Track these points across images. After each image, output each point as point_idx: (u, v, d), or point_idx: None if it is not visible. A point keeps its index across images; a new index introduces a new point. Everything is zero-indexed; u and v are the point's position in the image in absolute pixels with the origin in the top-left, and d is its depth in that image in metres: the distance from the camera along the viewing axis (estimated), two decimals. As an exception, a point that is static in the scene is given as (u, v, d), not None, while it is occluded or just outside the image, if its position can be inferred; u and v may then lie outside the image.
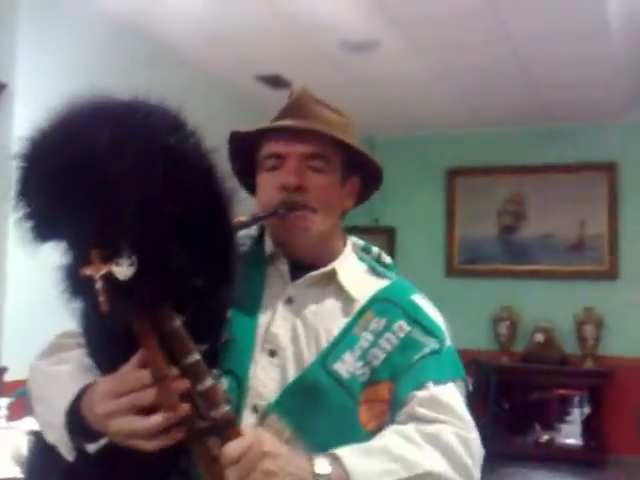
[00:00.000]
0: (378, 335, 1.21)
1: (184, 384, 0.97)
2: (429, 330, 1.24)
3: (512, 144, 5.88)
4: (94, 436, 1.03)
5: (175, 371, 0.97)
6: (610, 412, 5.32)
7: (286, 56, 4.54)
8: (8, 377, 3.40)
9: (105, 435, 1.02)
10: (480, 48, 4.37)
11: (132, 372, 0.99)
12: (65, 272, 0.97)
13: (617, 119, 5.52)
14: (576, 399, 5.50)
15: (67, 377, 1.09)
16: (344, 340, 1.21)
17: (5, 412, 2.78)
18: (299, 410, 1.14)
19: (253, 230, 1.32)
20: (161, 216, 0.92)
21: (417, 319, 1.24)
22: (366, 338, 1.21)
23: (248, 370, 1.18)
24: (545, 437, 5.43)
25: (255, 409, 1.15)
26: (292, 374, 1.19)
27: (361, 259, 1.35)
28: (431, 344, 1.22)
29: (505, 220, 5.92)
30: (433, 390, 1.18)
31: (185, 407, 0.96)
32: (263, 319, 1.23)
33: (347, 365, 1.19)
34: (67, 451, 1.07)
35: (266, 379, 1.18)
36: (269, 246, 1.30)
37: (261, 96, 5.14)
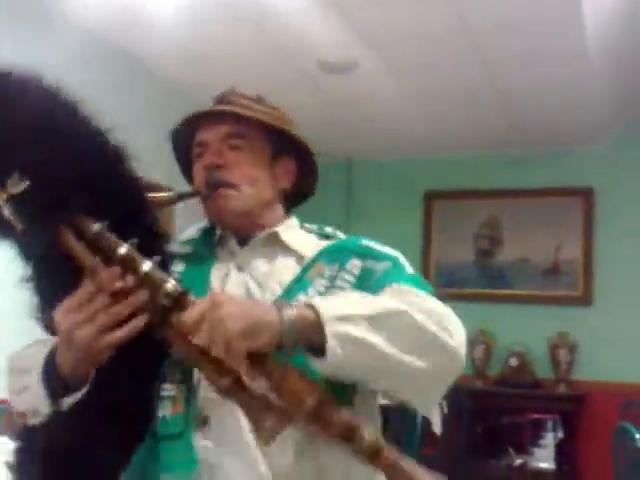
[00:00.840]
0: (333, 279, 1.25)
1: (121, 279, 1.03)
2: (381, 257, 1.29)
3: (489, 168, 5.91)
4: (69, 388, 1.07)
5: (111, 270, 1.03)
6: (583, 437, 5.33)
7: (264, 77, 4.54)
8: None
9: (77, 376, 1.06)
10: (457, 71, 4.41)
11: (81, 290, 1.05)
12: None
13: (594, 144, 5.57)
14: (549, 423, 5.50)
15: (42, 345, 1.14)
16: (297, 285, 1.24)
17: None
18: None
19: (204, 223, 1.39)
20: (36, 136, 1.03)
21: (368, 253, 1.29)
22: (321, 283, 1.24)
23: None
24: (518, 461, 5.42)
25: None
26: None
27: (309, 232, 1.40)
28: (384, 265, 1.27)
29: (481, 244, 5.94)
30: (393, 286, 1.19)
31: (139, 293, 1.02)
32: (217, 285, 1.27)
33: None
34: (43, 404, 1.09)
35: None
36: (217, 230, 1.37)
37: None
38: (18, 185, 1.00)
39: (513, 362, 5.48)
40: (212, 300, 1.03)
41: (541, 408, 5.48)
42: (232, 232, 1.35)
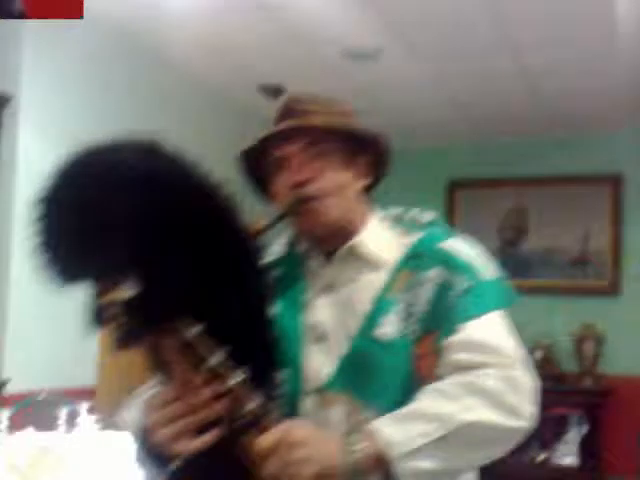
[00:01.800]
0: (414, 291, 1.27)
1: (206, 389, 1.06)
2: (460, 270, 1.28)
3: (515, 155, 5.79)
4: (166, 459, 1.13)
5: (198, 378, 1.06)
6: (609, 432, 5.22)
7: (287, 66, 4.49)
8: (9, 389, 3.37)
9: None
10: (482, 58, 4.31)
11: (167, 390, 1.11)
12: (86, 305, 1.06)
13: (622, 128, 5.40)
14: (574, 418, 5.40)
15: (136, 415, 1.20)
16: (379, 307, 1.27)
17: (5, 424, 2.76)
18: (354, 380, 1.21)
19: (286, 237, 1.43)
20: (147, 242, 1.02)
21: (446, 263, 1.29)
22: (404, 298, 1.27)
23: (301, 360, 1.26)
24: (541, 457, 5.34)
25: (314, 392, 1.23)
26: (342, 353, 1.25)
27: (394, 226, 1.41)
28: (463, 283, 1.26)
29: (506, 234, 5.83)
30: (468, 331, 1.21)
31: (215, 406, 1.06)
32: (307, 311, 1.31)
33: (387, 328, 1.24)
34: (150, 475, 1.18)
35: (319, 364, 1.26)
36: (303, 245, 1.39)
37: (263, 106, 5.09)
38: (127, 290, 1.01)
39: (537, 355, 5.38)
40: (287, 437, 1.07)
41: (565, 402, 5.38)
42: (318, 247, 1.37)
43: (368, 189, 1.44)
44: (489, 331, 1.24)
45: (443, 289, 1.26)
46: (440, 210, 6.01)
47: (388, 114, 5.39)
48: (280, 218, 1.31)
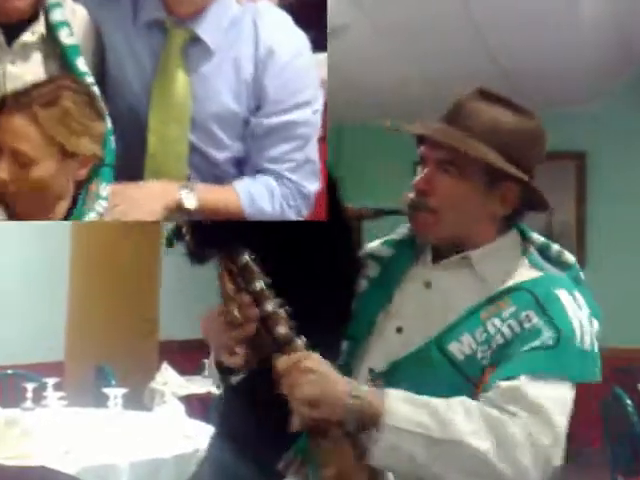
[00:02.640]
0: (504, 321, 1.22)
1: (249, 307, 1.17)
2: (553, 322, 1.20)
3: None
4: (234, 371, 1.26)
5: (246, 298, 1.17)
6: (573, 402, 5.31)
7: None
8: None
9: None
10: (448, 35, 4.34)
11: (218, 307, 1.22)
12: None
13: (587, 107, 5.50)
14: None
15: None
16: (466, 322, 1.23)
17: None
18: (407, 380, 1.19)
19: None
20: None
21: (547, 310, 1.21)
22: (494, 324, 1.22)
23: (367, 338, 1.29)
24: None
25: (369, 372, 1.26)
26: (411, 351, 1.25)
27: (524, 252, 1.33)
28: (547, 335, 1.18)
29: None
30: (524, 384, 1.15)
31: (248, 327, 1.17)
32: (399, 298, 1.32)
33: (464, 347, 1.21)
34: (217, 383, 1.33)
35: (385, 351, 1.27)
36: (419, 239, 1.38)
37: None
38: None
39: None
40: (301, 363, 1.14)
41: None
42: (431, 246, 1.35)
43: (512, 215, 1.35)
44: (546, 395, 1.17)
45: (527, 333, 1.20)
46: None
47: (355, 92, 5.40)
48: (391, 212, 1.39)
